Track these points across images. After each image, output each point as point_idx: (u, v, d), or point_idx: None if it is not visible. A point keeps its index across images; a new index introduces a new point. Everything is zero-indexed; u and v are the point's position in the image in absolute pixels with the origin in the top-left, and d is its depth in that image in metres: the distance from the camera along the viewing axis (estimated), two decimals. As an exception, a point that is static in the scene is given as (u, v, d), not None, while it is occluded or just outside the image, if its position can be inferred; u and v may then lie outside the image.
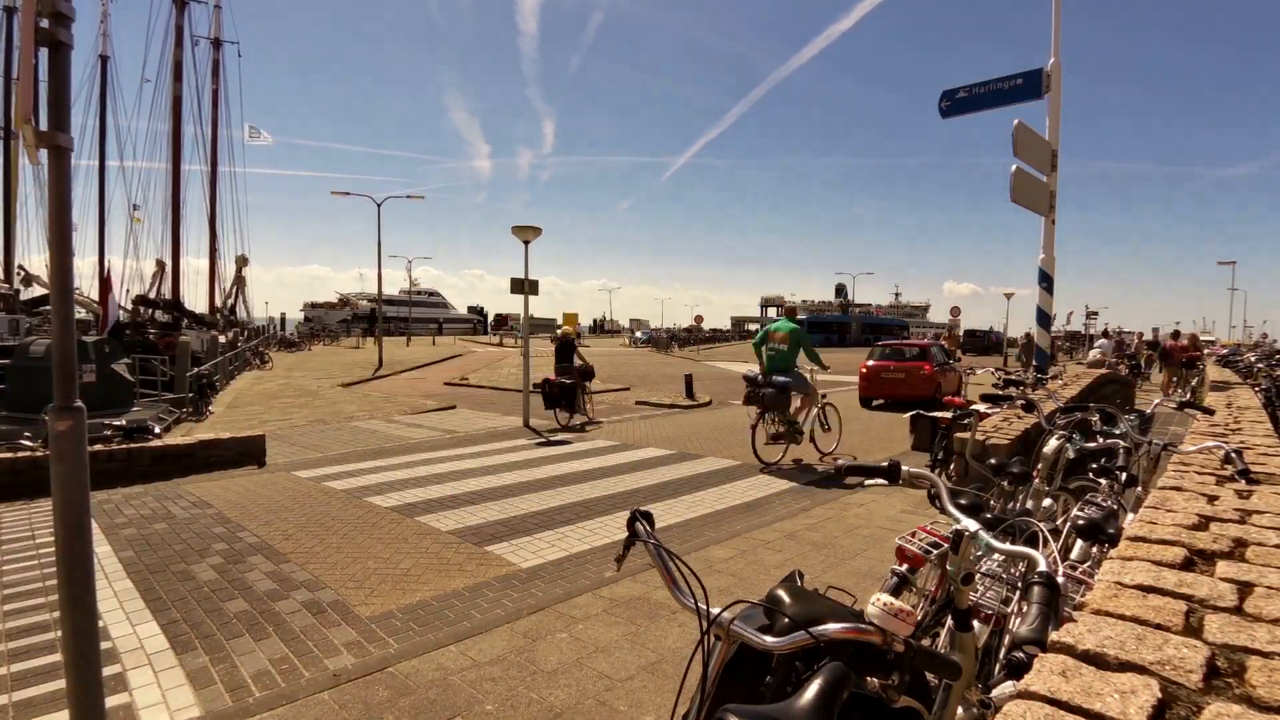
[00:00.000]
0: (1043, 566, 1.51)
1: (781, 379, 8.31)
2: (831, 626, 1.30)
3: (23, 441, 7.59)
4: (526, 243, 11.96)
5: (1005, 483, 3.86)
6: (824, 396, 9.02)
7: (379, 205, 30.81)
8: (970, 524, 1.66)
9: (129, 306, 26.31)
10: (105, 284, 18.89)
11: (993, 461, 4.11)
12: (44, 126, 2.34)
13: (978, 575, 2.12)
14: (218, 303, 34.34)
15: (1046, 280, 8.54)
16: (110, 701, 2.86)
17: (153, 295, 30.23)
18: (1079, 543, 2.53)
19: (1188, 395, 12.71)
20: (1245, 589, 1.36)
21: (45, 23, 2.33)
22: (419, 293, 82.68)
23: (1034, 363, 9.46)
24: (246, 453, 8.41)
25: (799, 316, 9.08)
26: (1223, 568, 1.50)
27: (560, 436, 10.59)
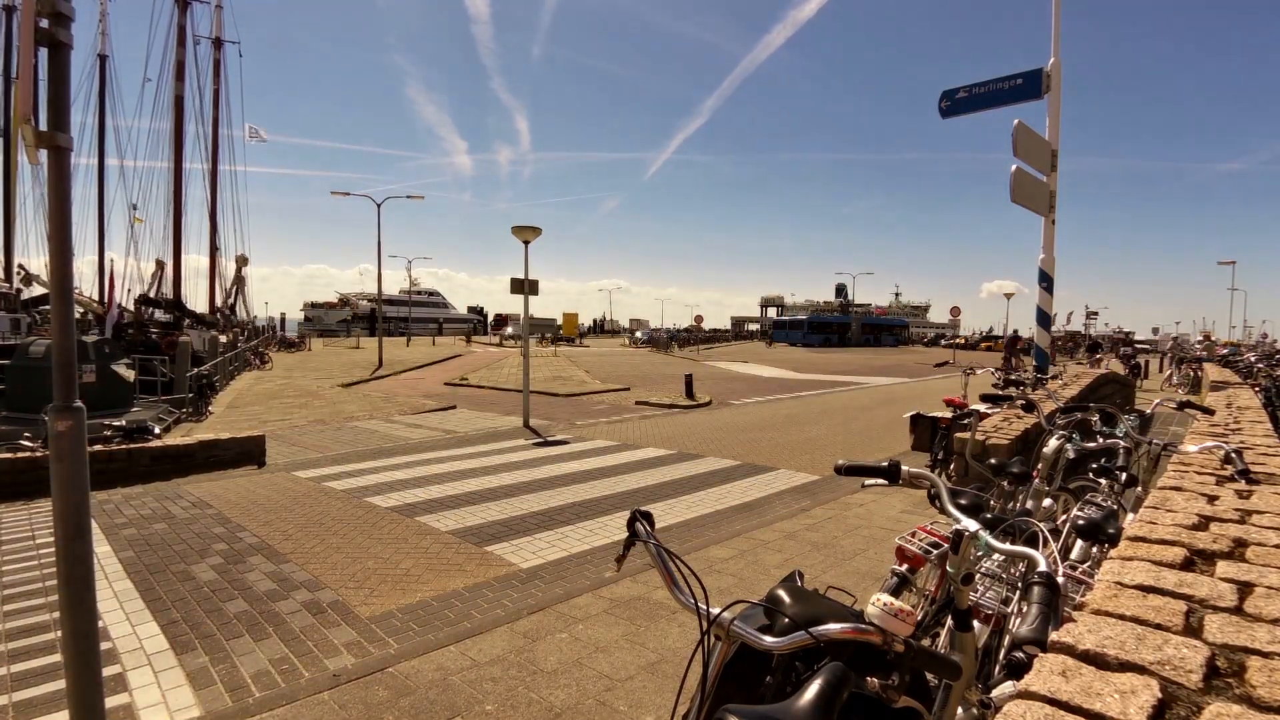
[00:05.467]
0: (1043, 566, 1.51)
1: None
2: (832, 626, 1.30)
3: (23, 442, 7.59)
4: (526, 243, 11.97)
5: (1005, 483, 3.86)
6: None
7: (379, 205, 30.82)
8: (970, 524, 1.66)
9: (130, 307, 26.31)
10: (110, 286, 18.92)
11: (993, 461, 4.11)
12: (43, 126, 2.34)
13: (978, 575, 2.12)
14: (218, 302, 34.36)
15: (1046, 280, 8.54)
16: (110, 702, 2.86)
17: (153, 294, 30.24)
18: (1079, 543, 2.53)
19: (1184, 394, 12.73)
20: (1245, 589, 1.36)
21: (45, 23, 2.33)
22: (419, 293, 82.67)
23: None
24: (246, 453, 8.41)
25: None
26: (1223, 568, 1.50)
27: (559, 436, 10.59)
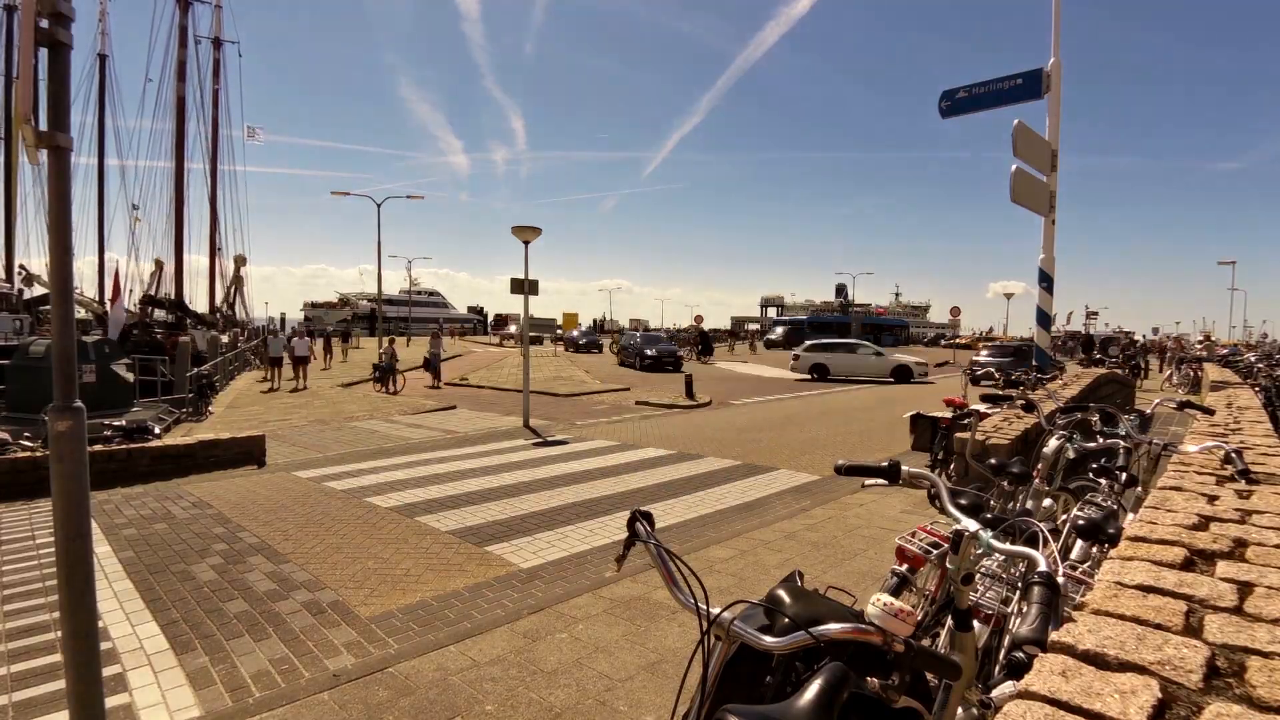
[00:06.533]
0: (1043, 566, 1.51)
1: None
2: (832, 627, 1.30)
3: (23, 442, 7.59)
4: (526, 243, 11.96)
5: (1005, 483, 3.86)
6: None
7: (379, 205, 30.82)
8: (970, 524, 1.66)
9: (132, 308, 26.30)
10: (115, 287, 18.89)
11: (993, 461, 4.11)
12: (43, 126, 2.34)
13: (978, 575, 2.12)
14: (218, 302, 34.33)
15: (1046, 280, 8.54)
16: (110, 702, 2.86)
17: (153, 294, 30.21)
18: (1079, 543, 2.52)
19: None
20: (1245, 589, 1.36)
21: (45, 23, 2.33)
22: (419, 292, 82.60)
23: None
24: (246, 453, 8.41)
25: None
26: (1223, 568, 1.50)
27: (559, 436, 10.59)
